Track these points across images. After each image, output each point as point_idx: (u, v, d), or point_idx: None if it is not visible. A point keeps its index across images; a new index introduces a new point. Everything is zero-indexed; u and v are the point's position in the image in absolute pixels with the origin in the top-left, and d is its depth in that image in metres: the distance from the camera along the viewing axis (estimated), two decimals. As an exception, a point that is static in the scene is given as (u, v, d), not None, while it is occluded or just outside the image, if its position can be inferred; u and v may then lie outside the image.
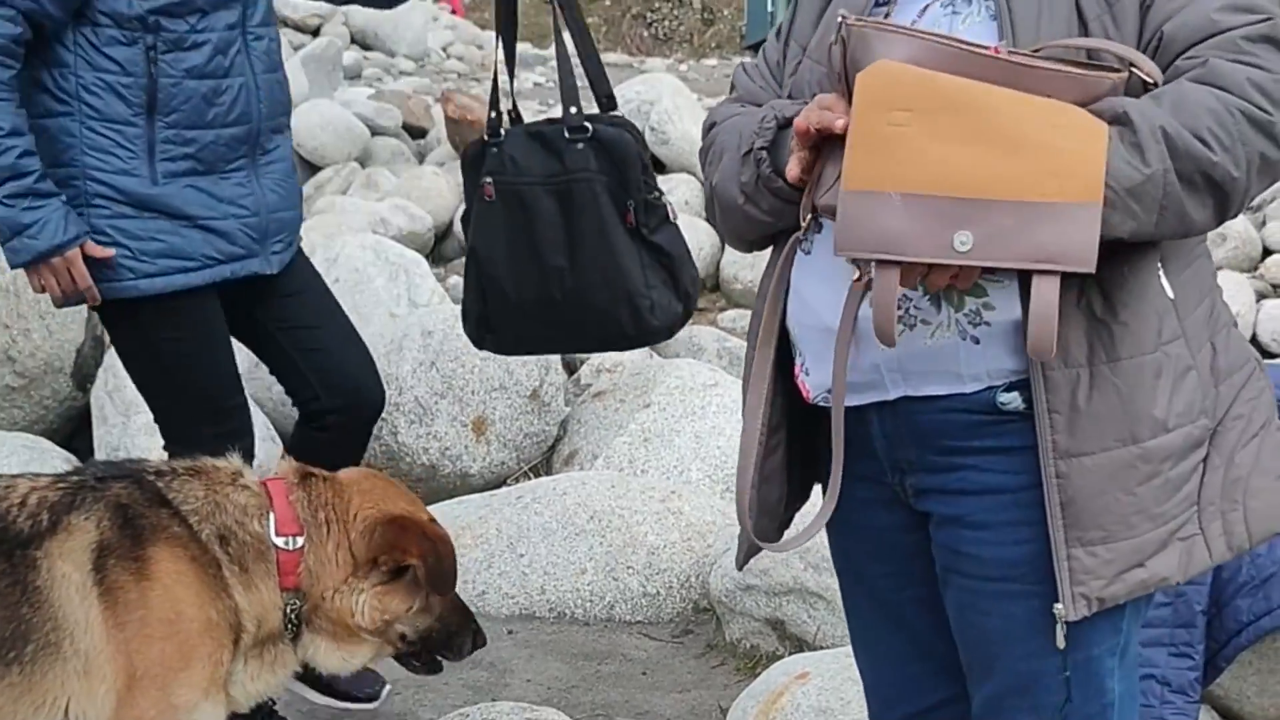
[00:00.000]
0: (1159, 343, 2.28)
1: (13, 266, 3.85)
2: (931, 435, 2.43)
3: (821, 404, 2.48)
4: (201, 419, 4.13)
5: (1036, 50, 2.21)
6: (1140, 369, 2.27)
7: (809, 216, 2.37)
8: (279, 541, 3.06)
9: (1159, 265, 2.31)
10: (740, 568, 2.88)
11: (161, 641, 2.90)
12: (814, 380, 2.50)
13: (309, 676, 4.15)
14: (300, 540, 3.07)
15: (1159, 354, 2.28)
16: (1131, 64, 2.19)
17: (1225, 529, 2.32)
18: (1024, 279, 2.18)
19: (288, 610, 3.06)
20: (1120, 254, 2.22)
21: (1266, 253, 13.07)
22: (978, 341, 2.31)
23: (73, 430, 7.14)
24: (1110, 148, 2.10)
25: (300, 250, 4.30)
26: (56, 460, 6.38)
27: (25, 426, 6.97)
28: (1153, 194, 2.13)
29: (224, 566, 3.01)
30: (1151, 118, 2.13)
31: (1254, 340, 11.40)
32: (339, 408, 4.22)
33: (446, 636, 3.25)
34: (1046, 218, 2.08)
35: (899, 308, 2.22)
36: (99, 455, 4.30)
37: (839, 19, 2.24)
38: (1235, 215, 2.25)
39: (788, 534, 2.71)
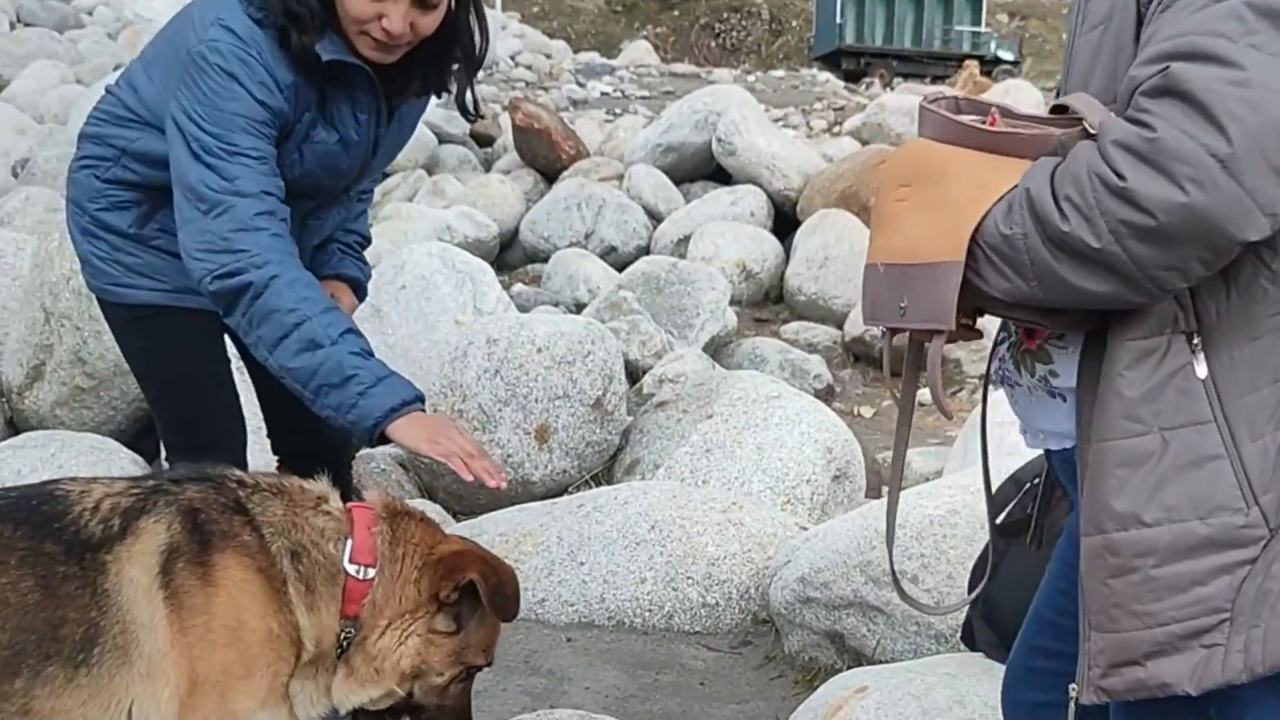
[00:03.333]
0: (1135, 428, 2.13)
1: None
2: (1062, 485, 2.53)
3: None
4: (172, 426, 4.20)
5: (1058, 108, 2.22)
6: (1101, 456, 2.17)
7: None
8: (350, 568, 3.06)
9: (1167, 343, 2.15)
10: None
11: (224, 648, 2.91)
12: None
13: None
14: (372, 571, 3.06)
15: (1131, 441, 2.14)
16: (1082, 117, 2.15)
17: (1245, 645, 2.13)
18: (1086, 343, 2.22)
19: (341, 637, 3.06)
20: (1091, 328, 2.20)
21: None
22: (1065, 400, 2.32)
23: (139, 432, 7.21)
24: (995, 207, 2.12)
25: None
26: (124, 461, 6.45)
27: (94, 427, 7.06)
28: (1018, 257, 2.10)
29: (290, 583, 3.01)
30: (1032, 180, 2.10)
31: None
32: (301, 451, 4.20)
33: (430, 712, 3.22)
34: (937, 277, 2.16)
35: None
36: (164, 457, 4.35)
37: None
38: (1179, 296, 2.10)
39: None
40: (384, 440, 3.40)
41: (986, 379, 2.53)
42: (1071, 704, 2.28)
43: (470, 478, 3.33)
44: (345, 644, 3.06)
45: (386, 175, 14.83)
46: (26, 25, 26.78)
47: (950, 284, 2.12)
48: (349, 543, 3.07)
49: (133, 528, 2.93)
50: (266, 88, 3.56)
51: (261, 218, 3.50)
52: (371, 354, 3.47)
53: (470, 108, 3.98)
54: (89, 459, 6.32)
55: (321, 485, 3.19)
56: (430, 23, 3.63)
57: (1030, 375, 2.35)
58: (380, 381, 3.39)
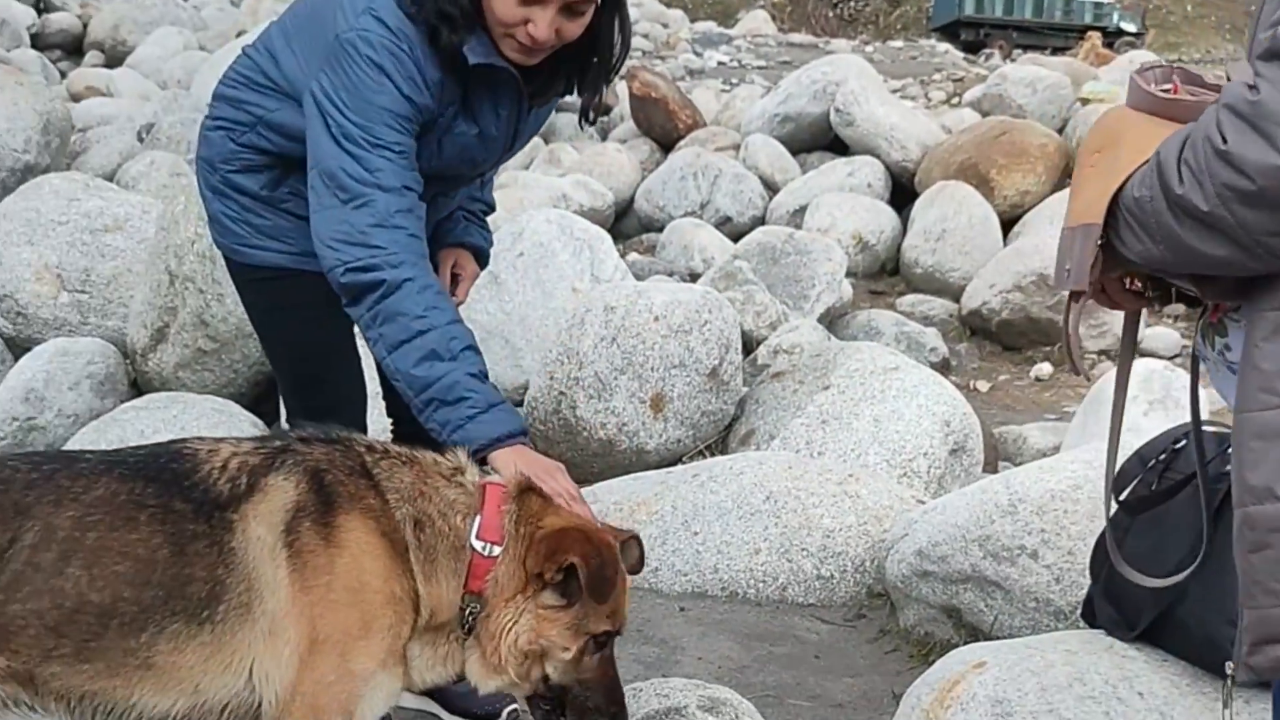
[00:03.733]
0: (1270, 400, 2.08)
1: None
2: None
3: None
4: (293, 389, 4.27)
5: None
6: (1240, 427, 2.14)
7: None
8: (477, 544, 3.09)
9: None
10: None
11: (345, 609, 2.95)
12: None
13: (435, 692, 4.19)
14: (498, 549, 3.09)
15: (1267, 414, 2.09)
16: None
17: None
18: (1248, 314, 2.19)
19: (467, 612, 3.09)
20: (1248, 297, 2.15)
21: None
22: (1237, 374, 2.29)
23: (260, 395, 7.31)
24: (1137, 172, 2.13)
25: None
26: (244, 424, 6.54)
27: (215, 390, 7.17)
28: (1146, 220, 2.10)
29: (411, 550, 3.05)
30: (1166, 145, 2.09)
31: None
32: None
33: (582, 705, 3.20)
34: (1078, 238, 2.22)
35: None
36: (284, 420, 4.41)
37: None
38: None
39: None
40: (483, 466, 3.37)
41: (1194, 354, 2.52)
42: (1227, 680, 2.25)
43: None
44: (471, 619, 3.08)
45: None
46: (152, -8, 27.15)
47: (1088, 246, 2.12)
48: (478, 519, 3.10)
49: (260, 485, 2.97)
50: (414, 83, 3.58)
51: (401, 215, 3.52)
52: (486, 376, 3.48)
53: (590, 115, 3.99)
54: (210, 420, 6.42)
55: (460, 458, 3.22)
56: (575, 29, 3.63)
57: (1212, 349, 2.33)
58: (491, 409, 3.40)
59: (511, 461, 3.32)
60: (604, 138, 18.35)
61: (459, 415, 3.37)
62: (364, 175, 3.50)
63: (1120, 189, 2.13)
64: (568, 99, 4.03)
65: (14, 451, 6.62)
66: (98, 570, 2.86)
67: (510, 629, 3.08)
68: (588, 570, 3.04)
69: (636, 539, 3.39)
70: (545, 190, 14.09)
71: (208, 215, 4.10)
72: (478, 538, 3.09)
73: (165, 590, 2.88)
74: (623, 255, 10.77)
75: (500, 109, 3.79)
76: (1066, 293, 2.35)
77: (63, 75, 21.15)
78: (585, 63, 3.78)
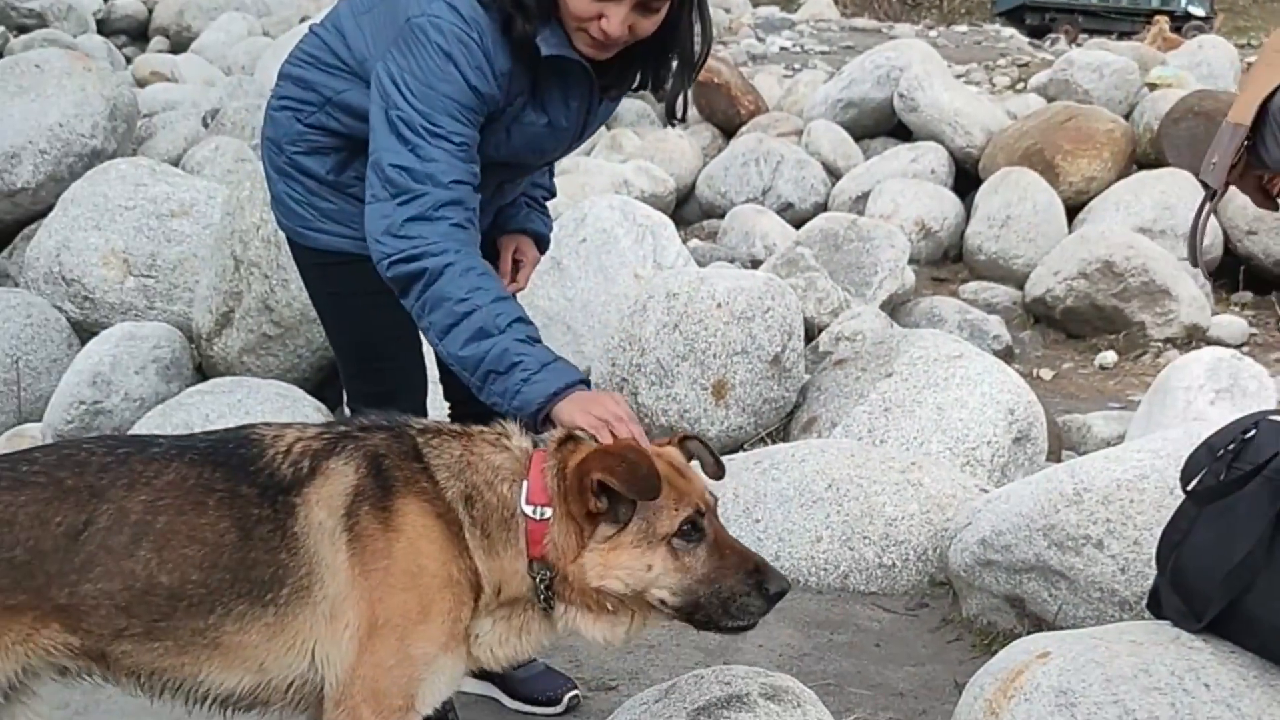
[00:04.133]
0: None
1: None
2: None
3: None
4: (355, 374, 4.26)
5: None
6: None
7: None
8: (528, 510, 3.06)
9: None
10: None
11: (403, 592, 2.96)
12: None
13: (496, 677, 4.22)
14: (548, 511, 3.05)
15: None
16: None
17: None
18: None
19: (538, 580, 3.06)
20: None
21: None
22: None
23: (323, 380, 7.36)
24: None
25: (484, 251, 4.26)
26: (307, 408, 6.59)
27: (279, 374, 7.22)
28: None
29: (465, 528, 3.04)
30: None
31: None
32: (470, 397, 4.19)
33: (721, 601, 3.05)
34: (1223, 137, 2.23)
35: None
36: (345, 404, 4.44)
37: None
38: None
39: None
40: (547, 424, 3.30)
41: None
42: None
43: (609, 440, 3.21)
44: (546, 587, 3.06)
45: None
46: (216, -21, 27.34)
47: (1233, 146, 2.11)
48: (525, 484, 3.07)
49: (321, 469, 3.00)
50: (482, 73, 3.55)
51: (447, 208, 3.49)
52: (539, 340, 3.43)
53: (678, 111, 3.93)
54: (274, 405, 6.47)
55: (506, 425, 3.19)
56: (649, 25, 3.61)
57: None
58: (545, 367, 3.35)
59: (571, 411, 3.26)
60: (665, 124, 18.32)
61: (514, 382, 3.33)
62: (417, 168, 3.48)
63: (1271, 95, 2.12)
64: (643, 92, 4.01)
65: (83, 435, 6.70)
66: (168, 553, 2.90)
67: (593, 583, 3.02)
68: (616, 477, 2.96)
69: (691, 437, 3.35)
70: (607, 176, 14.09)
71: (271, 196, 4.10)
72: (527, 503, 3.05)
73: (232, 573, 2.92)
74: (684, 241, 10.77)
75: (571, 100, 3.77)
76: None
77: (128, 61, 21.29)
78: (661, 58, 3.74)
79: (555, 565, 3.05)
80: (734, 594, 3.05)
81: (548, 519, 3.05)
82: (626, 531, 3.02)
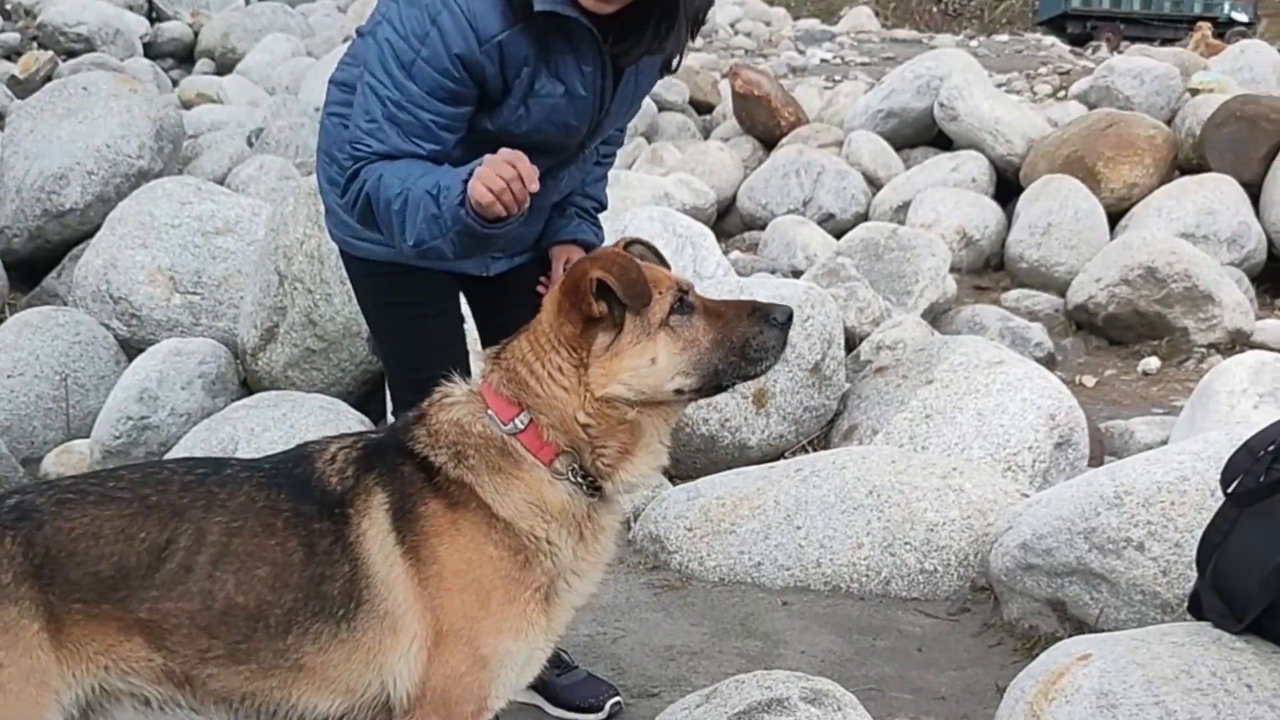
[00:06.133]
0: None
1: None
2: None
3: None
4: (400, 383, 4.31)
5: None
6: None
7: None
8: (507, 429, 3.05)
9: None
10: None
11: (460, 593, 2.98)
12: None
13: (538, 684, 4.22)
14: (524, 416, 3.05)
15: None
16: None
17: None
18: None
19: (571, 476, 3.05)
20: None
21: None
22: None
23: (366, 394, 7.41)
24: None
25: (535, 260, 4.31)
26: (351, 421, 6.63)
27: (323, 388, 7.27)
28: None
29: (474, 487, 3.03)
30: None
31: None
32: None
33: (738, 351, 3.04)
34: None
35: None
36: (390, 413, 4.50)
37: None
38: None
39: None
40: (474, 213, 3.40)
41: None
42: None
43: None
44: (582, 471, 3.05)
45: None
46: (260, 0, 27.54)
47: None
48: (490, 413, 3.07)
49: (363, 482, 3.04)
50: (465, 39, 3.57)
51: (384, 162, 3.59)
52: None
53: (674, 65, 3.96)
54: (318, 419, 6.52)
55: (442, 388, 3.21)
56: None
57: None
58: (450, 176, 3.43)
59: (476, 188, 3.34)
60: (706, 136, 18.34)
61: (449, 201, 3.42)
62: (375, 147, 3.59)
63: None
64: (675, 99, 4.02)
65: (130, 450, 6.78)
66: (243, 575, 2.95)
67: (599, 393, 3.01)
68: (613, 275, 2.97)
69: (635, 241, 3.40)
70: (648, 189, 14.10)
71: (324, 207, 4.16)
72: (504, 424, 3.06)
73: (304, 591, 2.96)
74: (725, 253, 10.77)
75: (584, 65, 3.76)
76: None
77: (175, 83, 21.49)
78: (670, 17, 3.68)
79: (573, 446, 3.05)
80: (746, 339, 3.06)
81: (530, 422, 3.05)
82: (625, 331, 3.01)
